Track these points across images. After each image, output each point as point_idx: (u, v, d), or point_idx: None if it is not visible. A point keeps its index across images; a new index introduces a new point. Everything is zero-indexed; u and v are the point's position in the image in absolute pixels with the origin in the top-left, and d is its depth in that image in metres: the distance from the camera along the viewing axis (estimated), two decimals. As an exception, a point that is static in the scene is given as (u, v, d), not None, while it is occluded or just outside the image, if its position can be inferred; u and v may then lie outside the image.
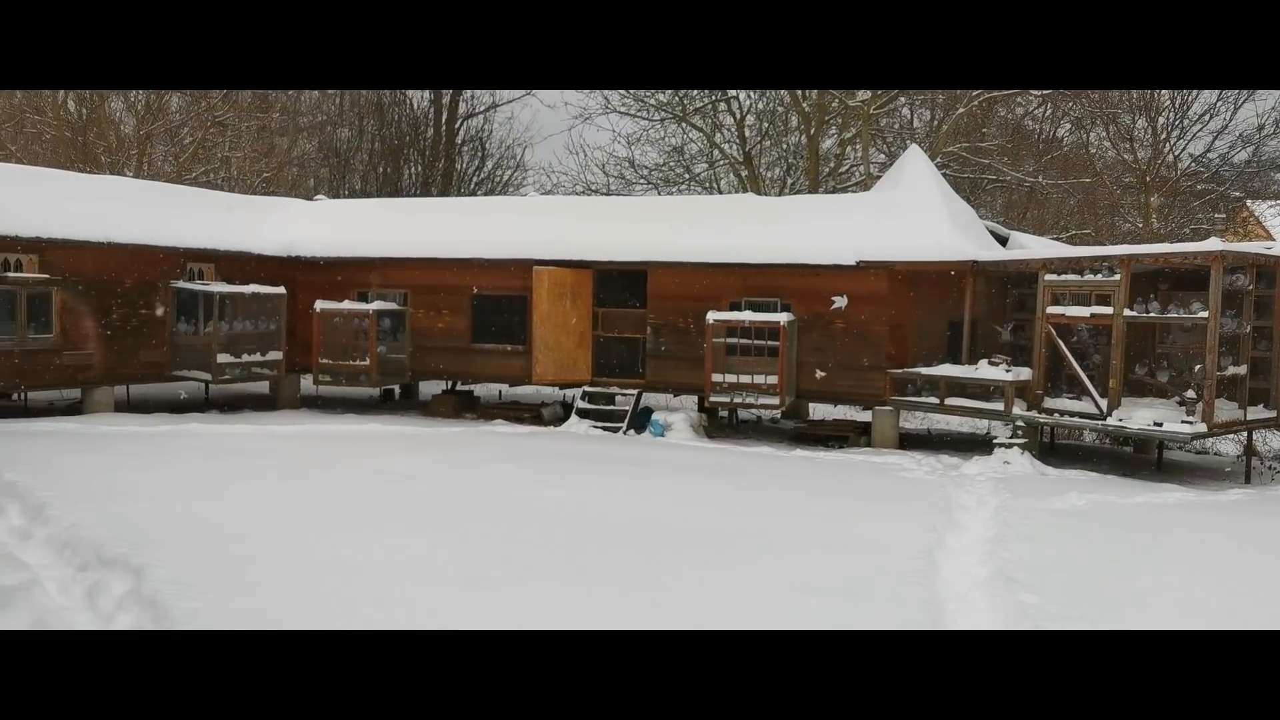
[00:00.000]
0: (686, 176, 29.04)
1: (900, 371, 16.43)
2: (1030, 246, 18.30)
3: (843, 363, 16.78)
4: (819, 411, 20.58)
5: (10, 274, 15.38)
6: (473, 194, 33.73)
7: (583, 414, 17.93)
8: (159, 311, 17.77)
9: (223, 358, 17.70)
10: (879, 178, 22.20)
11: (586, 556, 7.85)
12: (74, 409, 17.04)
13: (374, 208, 21.86)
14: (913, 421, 19.69)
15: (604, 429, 17.36)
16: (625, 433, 17.19)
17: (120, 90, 25.03)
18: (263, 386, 20.96)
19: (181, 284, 17.89)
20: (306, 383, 20.48)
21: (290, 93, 32.47)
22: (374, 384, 18.99)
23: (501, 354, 19.11)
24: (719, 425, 18.63)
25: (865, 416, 17.87)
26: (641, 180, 29.08)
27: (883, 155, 28.48)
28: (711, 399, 16.72)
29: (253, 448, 13.10)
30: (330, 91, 33.11)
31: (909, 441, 16.93)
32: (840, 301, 16.76)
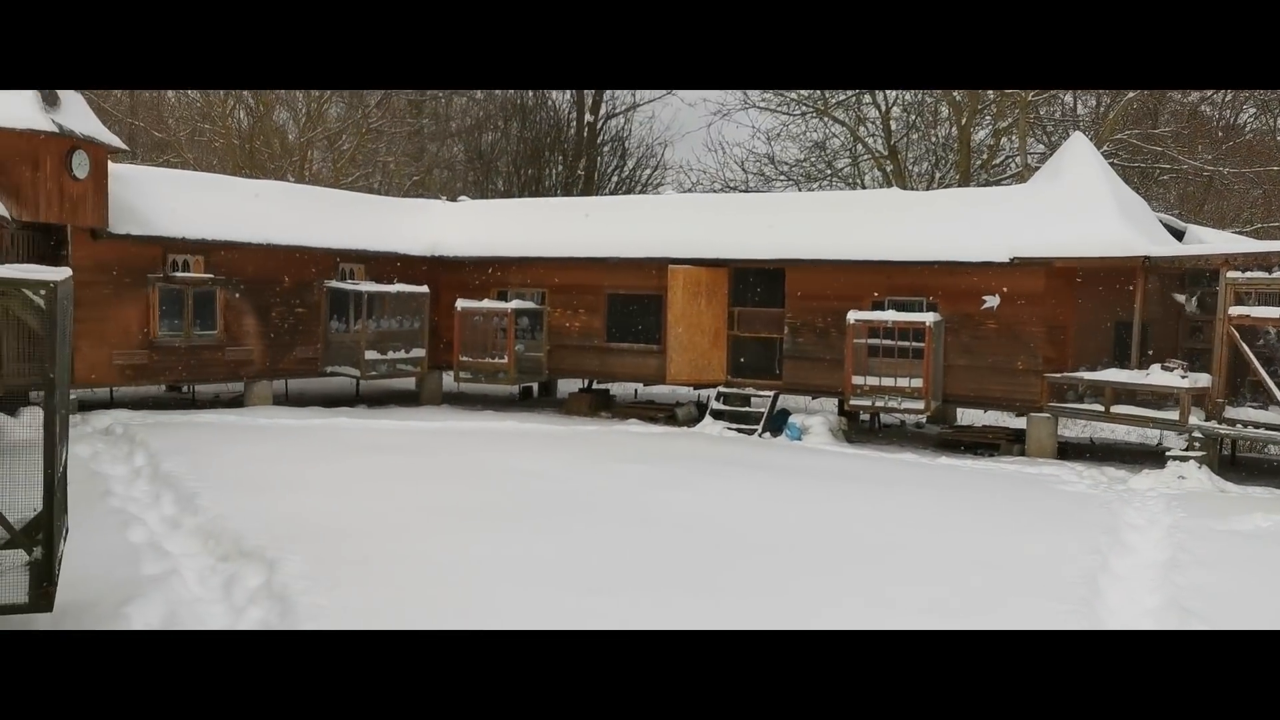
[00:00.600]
0: (828, 172, 28.23)
1: (1059, 376, 15.29)
2: (1210, 241, 16.71)
3: (994, 365, 15.78)
4: (967, 417, 19.51)
5: (178, 274, 16.39)
6: (613, 194, 33.90)
7: (717, 415, 17.59)
8: (313, 310, 18.56)
9: (370, 354, 18.32)
10: (1037, 169, 20.85)
11: (714, 567, 7.53)
12: (237, 402, 18.02)
13: (513, 208, 22.20)
14: (1072, 430, 18.35)
15: (738, 431, 16.96)
16: (760, 435, 16.74)
17: (288, 89, 26.32)
18: (408, 383, 21.66)
19: (334, 283, 18.64)
20: (449, 380, 20.99)
21: (441, 99, 33.59)
22: (512, 381, 19.24)
23: (636, 353, 19.01)
24: (859, 429, 17.91)
25: (1018, 423, 16.76)
26: (781, 177, 28.47)
27: (1041, 145, 26.82)
28: (852, 402, 16.05)
29: (391, 443, 13.42)
30: (478, 96, 34.06)
31: (1068, 451, 15.75)
32: (992, 301, 15.77)
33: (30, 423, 12.77)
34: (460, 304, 19.34)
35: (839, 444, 16.01)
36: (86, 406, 15.86)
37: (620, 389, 22.56)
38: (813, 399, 18.97)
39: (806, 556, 8.00)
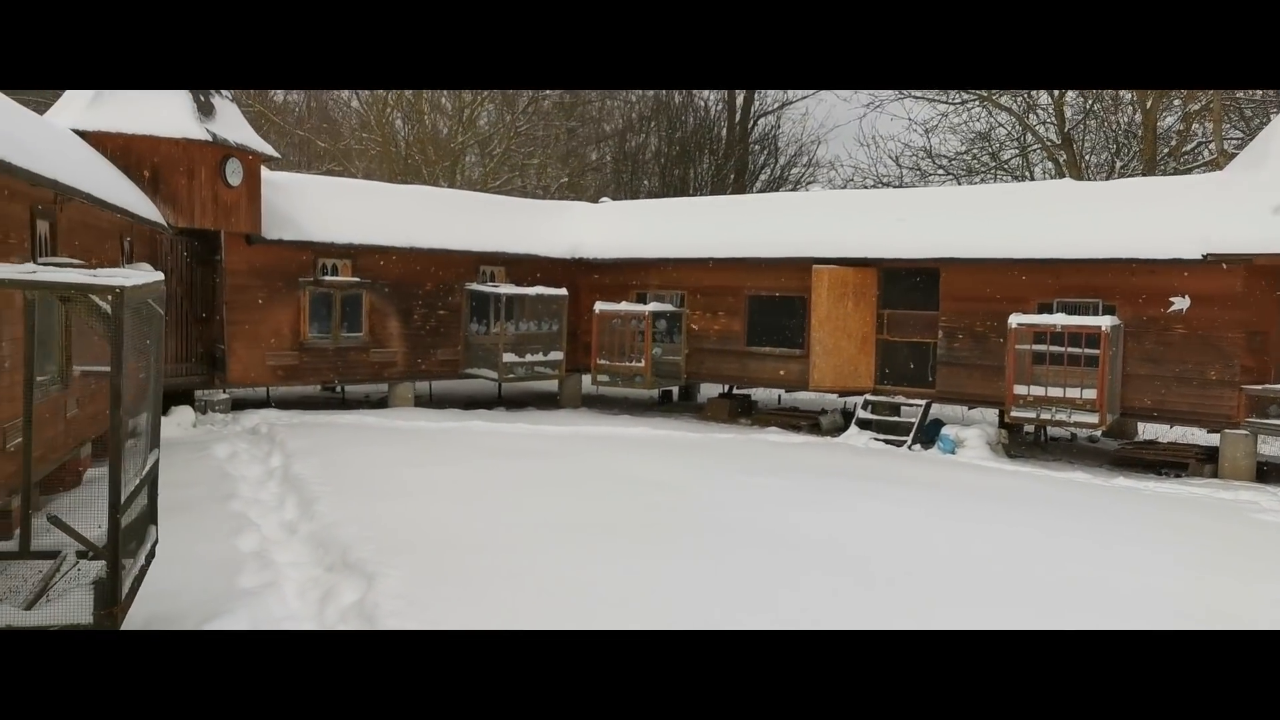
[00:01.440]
0: (992, 165, 26.36)
1: (1259, 388, 13.43)
2: None
3: (1181, 375, 14.03)
4: (1149, 431, 17.61)
5: (327, 278, 16.82)
6: (762, 193, 32.99)
7: (863, 424, 16.53)
8: (454, 312, 18.73)
9: (508, 357, 18.30)
10: (1235, 155, 18.59)
11: (846, 600, 6.73)
12: (381, 403, 18.39)
13: (654, 209, 21.76)
14: (1272, 448, 16.17)
15: (886, 442, 15.85)
16: (910, 447, 15.58)
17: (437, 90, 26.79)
18: (550, 385, 21.64)
19: (474, 286, 18.74)
20: (590, 382, 20.78)
21: (592, 102, 33.66)
22: (649, 385, 18.79)
23: (777, 358, 18.18)
24: (1022, 443, 16.41)
25: (1210, 440, 14.87)
26: (940, 171, 26.81)
27: (1239, 131, 24.06)
28: (1013, 414, 14.66)
29: (522, 448, 13.19)
30: (630, 98, 33.91)
31: (1268, 473, 13.82)
32: (1180, 303, 14.03)
33: (179, 421, 13.33)
34: (598, 306, 19.07)
35: (998, 459, 14.67)
36: (240, 406, 16.50)
37: (764, 394, 21.77)
38: (969, 409, 17.59)
39: (956, 590, 7.06)
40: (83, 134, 13.36)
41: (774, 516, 9.46)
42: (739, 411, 19.10)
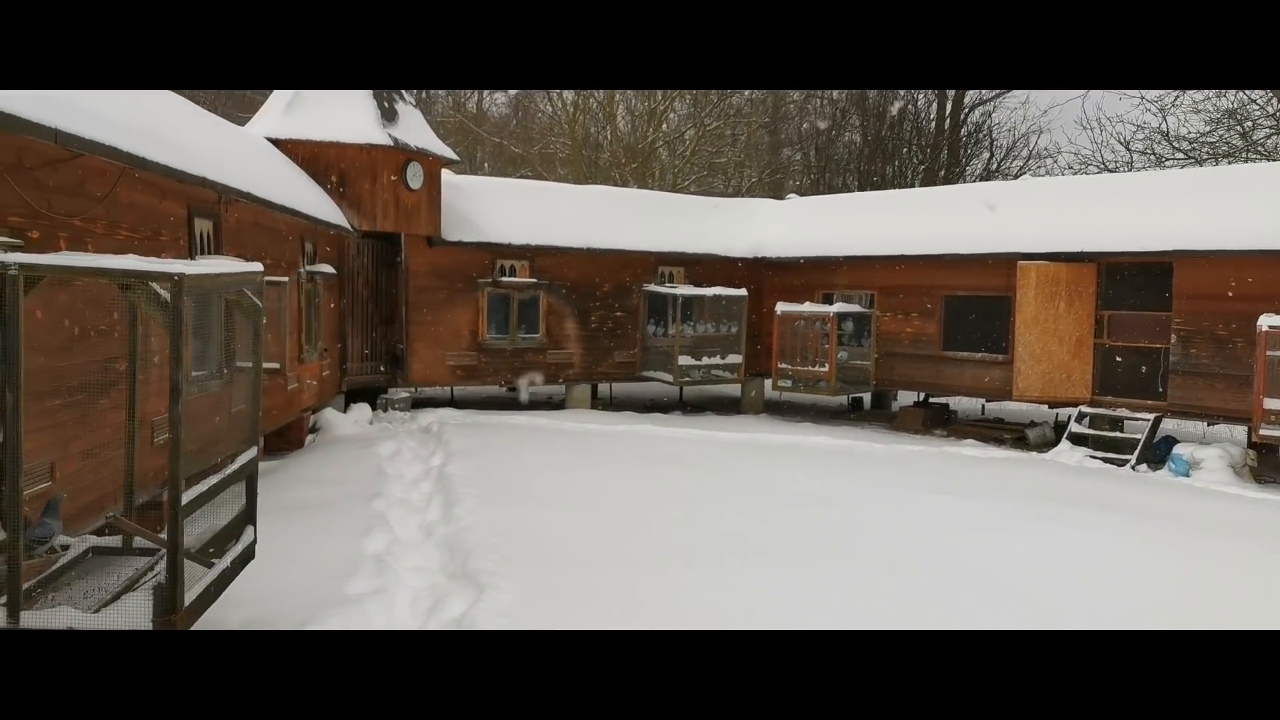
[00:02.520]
0: (1243, 146, 23.01)
1: None
2: None
3: None
4: None
5: (505, 279, 16.91)
6: (962, 184, 30.63)
7: (1077, 439, 14.64)
8: (631, 313, 18.39)
9: (683, 360, 17.73)
10: None
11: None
12: (558, 404, 18.33)
13: (843, 204, 20.48)
14: None
15: (1105, 461, 13.93)
16: (1135, 467, 13.59)
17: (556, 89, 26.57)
18: (733, 389, 20.91)
19: (651, 287, 18.31)
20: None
21: (794, 101, 32.60)
22: (832, 391, 17.62)
23: (978, 363, 16.52)
24: (1275, 467, 13.94)
25: None
26: (1179, 155, 23.72)
27: None
28: (1262, 431, 12.41)
29: (686, 454, 12.54)
30: (833, 96, 32.53)
31: None
32: None
33: (356, 419, 13.65)
34: (780, 307, 18.12)
35: (1243, 484, 12.48)
36: (421, 405, 16.89)
37: (967, 404, 20.02)
38: (1209, 425, 15.24)
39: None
40: (276, 141, 14.03)
41: (960, 543, 8.27)
42: (934, 421, 17.55)
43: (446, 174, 17.78)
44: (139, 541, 5.30)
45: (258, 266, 5.38)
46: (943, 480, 11.58)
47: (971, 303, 16.66)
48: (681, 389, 20.48)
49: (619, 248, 17.86)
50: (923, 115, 32.82)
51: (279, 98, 14.69)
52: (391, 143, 14.42)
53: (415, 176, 15.03)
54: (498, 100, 32.01)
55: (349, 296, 15.07)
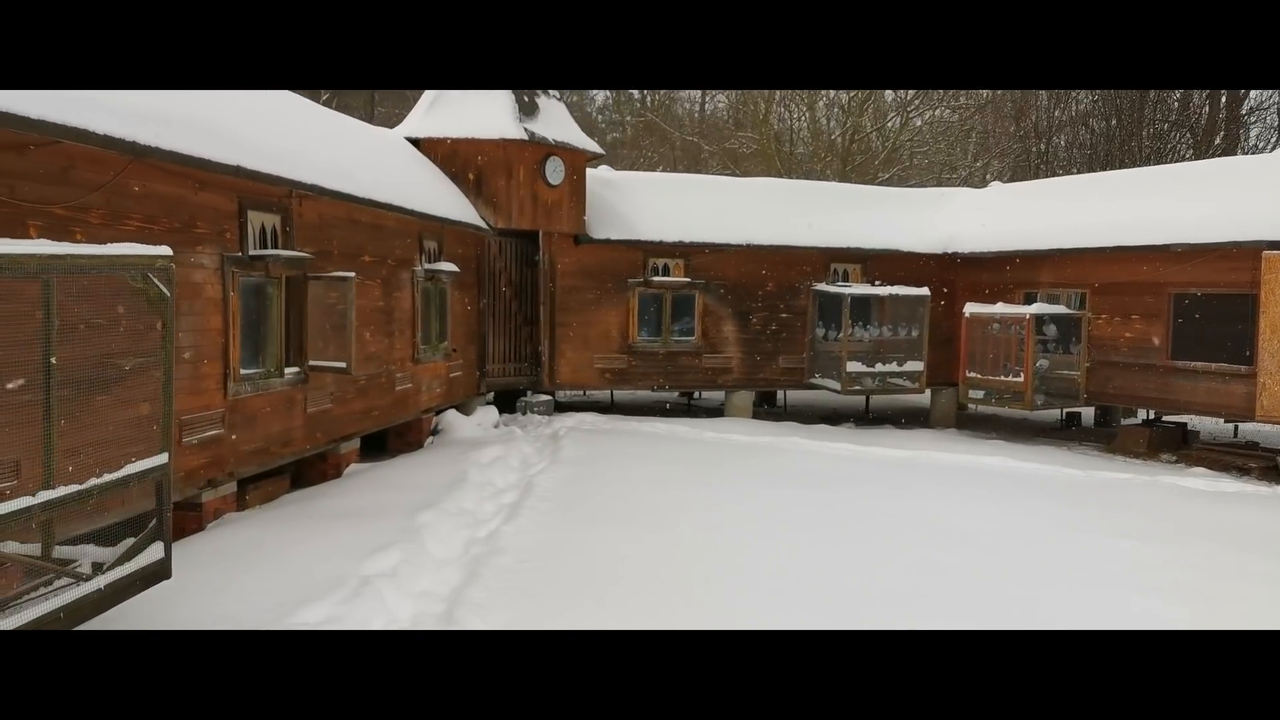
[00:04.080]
0: None
1: None
2: None
3: None
4: None
5: (657, 278, 16.01)
6: (1195, 161, 26.15)
7: (1341, 474, 11.57)
8: (799, 315, 16.91)
9: (853, 366, 16.00)
10: None
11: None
12: (717, 411, 17.19)
13: (1052, 190, 17.79)
14: None
15: (1377, 503, 10.86)
16: None
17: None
18: (921, 400, 18.84)
19: (821, 286, 16.73)
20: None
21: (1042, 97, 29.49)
22: (1027, 405, 15.22)
23: (1214, 376, 13.61)
24: None
25: None
26: None
27: None
28: None
29: (825, 473, 11.02)
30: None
31: None
32: None
33: (480, 421, 13.24)
34: (969, 308, 15.95)
35: None
36: (571, 408, 16.34)
37: (1213, 425, 16.83)
38: None
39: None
40: (416, 141, 13.97)
41: (1082, 603, 6.37)
42: (1162, 444, 14.70)
43: (601, 170, 17.18)
44: (59, 550, 4.83)
45: (163, 250, 4.77)
46: (1131, 519, 9.33)
47: (1206, 302, 13.76)
48: (867, 399, 18.71)
49: (785, 244, 16.45)
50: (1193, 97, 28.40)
51: (425, 98, 14.66)
52: (527, 137, 13.94)
53: (555, 172, 14.48)
54: (693, 96, 31.22)
55: (489, 296, 14.76)
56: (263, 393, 8.26)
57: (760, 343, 16.78)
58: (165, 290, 4.77)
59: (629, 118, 28.86)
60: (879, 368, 16.30)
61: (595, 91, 30.16)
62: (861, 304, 16.39)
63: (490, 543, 7.44)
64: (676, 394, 18.73)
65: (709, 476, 10.49)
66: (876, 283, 16.77)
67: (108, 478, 4.45)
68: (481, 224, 13.70)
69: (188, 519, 7.51)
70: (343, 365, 8.81)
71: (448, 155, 14.01)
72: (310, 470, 9.85)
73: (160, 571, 4.82)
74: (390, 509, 8.11)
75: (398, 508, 8.16)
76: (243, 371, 7.92)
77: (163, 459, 4.82)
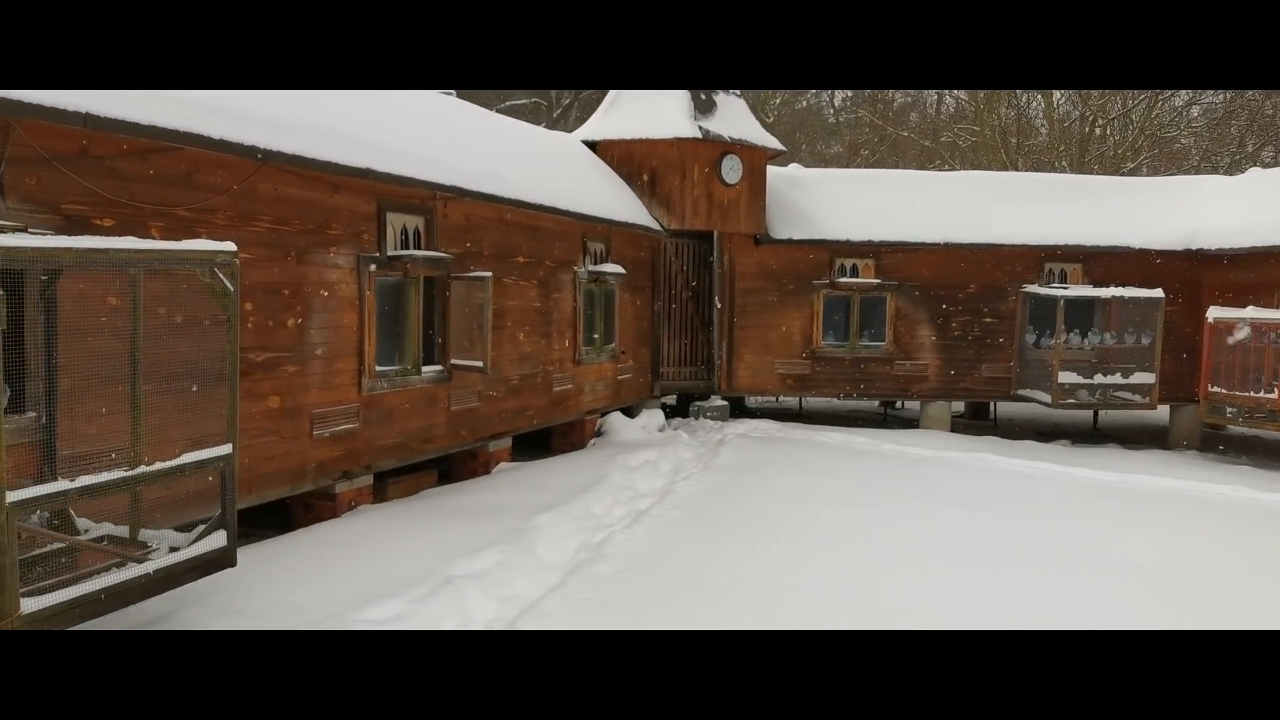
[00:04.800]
0: None
1: None
2: None
3: None
4: None
5: (844, 279, 15.16)
6: None
7: None
8: (1006, 320, 15.41)
9: (1066, 377, 14.33)
10: None
11: None
12: (913, 423, 16.04)
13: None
14: None
15: None
16: None
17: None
18: (1159, 417, 16.66)
19: (1033, 288, 15.14)
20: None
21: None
22: (1281, 428, 12.95)
23: None
24: None
25: None
26: None
27: None
28: None
29: (1007, 494, 9.87)
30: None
31: None
32: None
33: (645, 425, 13.06)
34: (1212, 313, 13.86)
35: None
36: (752, 414, 15.82)
37: None
38: None
39: None
40: (593, 144, 14.06)
41: None
42: None
43: (787, 168, 16.57)
44: (143, 533, 5.09)
45: (227, 246, 4.90)
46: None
47: None
48: (1095, 414, 16.81)
49: (990, 242, 15.06)
50: None
51: (606, 100, 14.74)
52: (701, 135, 13.63)
53: (732, 170, 14.07)
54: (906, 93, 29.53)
55: (665, 298, 14.57)
56: (400, 389, 8.50)
57: (960, 349, 15.46)
58: (229, 285, 4.90)
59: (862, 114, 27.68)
60: (1099, 379, 14.51)
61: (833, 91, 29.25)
62: (1080, 307, 14.69)
63: (598, 549, 7.19)
64: (877, 404, 17.68)
65: (864, 492, 9.68)
66: (1099, 284, 14.97)
67: (159, 466, 4.60)
68: (654, 225, 13.54)
69: (322, 508, 7.84)
70: (479, 364, 8.90)
71: (623, 157, 13.99)
72: (460, 467, 10.07)
73: (222, 560, 4.96)
74: (514, 509, 8.07)
75: (523, 508, 8.11)
76: (378, 368, 8.18)
77: (226, 449, 4.95)
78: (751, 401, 17.80)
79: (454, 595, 5.85)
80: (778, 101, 29.04)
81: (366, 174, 7.51)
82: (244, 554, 6.36)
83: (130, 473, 4.45)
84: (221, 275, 4.87)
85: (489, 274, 8.95)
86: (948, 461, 12.02)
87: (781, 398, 17.62)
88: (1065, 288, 14.83)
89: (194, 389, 5.49)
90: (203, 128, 5.99)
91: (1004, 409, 17.66)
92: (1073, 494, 10.20)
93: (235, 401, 5.02)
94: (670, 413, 15.30)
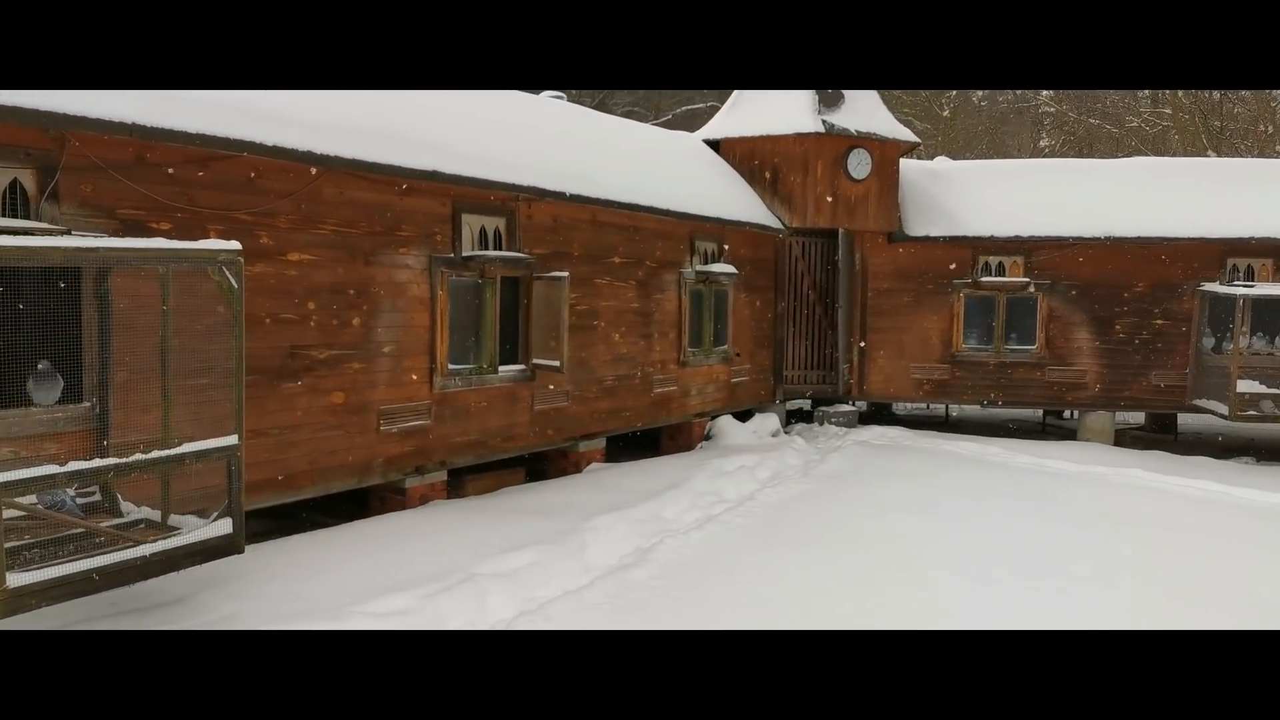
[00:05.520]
0: None
1: None
2: None
3: None
4: None
5: (987, 279, 14.09)
6: None
7: None
8: (1179, 322, 13.82)
9: (1247, 386, 12.66)
10: None
11: None
12: (1069, 434, 14.70)
13: None
14: None
15: None
16: None
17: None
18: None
19: (1211, 286, 13.49)
20: None
21: None
22: None
23: None
24: None
25: None
26: None
27: None
28: None
29: (1135, 515, 8.82)
30: None
31: None
32: None
33: (756, 429, 12.69)
34: None
35: None
36: (881, 419, 15.03)
37: None
38: None
39: None
40: (716, 143, 13.84)
41: None
42: None
43: (930, 162, 15.64)
44: (174, 518, 5.42)
45: (231, 245, 5.12)
46: None
47: None
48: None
49: (1162, 235, 13.57)
50: None
51: (731, 98, 14.47)
52: (824, 129, 13.07)
53: (860, 165, 13.41)
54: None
55: (789, 299, 14.09)
56: (476, 388, 8.64)
57: (1124, 355, 14.01)
58: (234, 283, 5.12)
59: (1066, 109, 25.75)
60: (1287, 389, 12.73)
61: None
62: (1264, 308, 12.95)
63: (644, 554, 7.02)
64: (1039, 413, 16.32)
65: (968, 505, 8.93)
66: (1291, 281, 13.16)
67: (156, 454, 4.85)
68: (773, 223, 13.13)
69: (392, 501, 8.11)
70: (556, 364, 8.92)
71: (745, 155, 13.66)
72: (552, 466, 10.15)
73: (228, 547, 5.18)
74: (580, 509, 8.02)
75: (588, 508, 8.05)
76: (451, 367, 8.35)
77: (232, 440, 5.17)
78: (899, 408, 16.92)
79: (473, 593, 5.87)
80: (952, 95, 27.52)
81: (433, 176, 7.70)
82: (287, 542, 6.67)
83: (123, 460, 4.72)
84: (228, 273, 5.09)
85: (566, 274, 8.95)
86: (1088, 477, 10.90)
87: (931, 405, 16.62)
88: (1251, 285, 13.11)
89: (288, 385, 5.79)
90: (257, 135, 6.33)
91: (1193, 422, 15.84)
92: (1222, 517, 8.96)
93: (241, 395, 5.23)
94: (799, 418, 14.80)
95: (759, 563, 6.85)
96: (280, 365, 6.94)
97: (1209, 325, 13.61)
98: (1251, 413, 12.80)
